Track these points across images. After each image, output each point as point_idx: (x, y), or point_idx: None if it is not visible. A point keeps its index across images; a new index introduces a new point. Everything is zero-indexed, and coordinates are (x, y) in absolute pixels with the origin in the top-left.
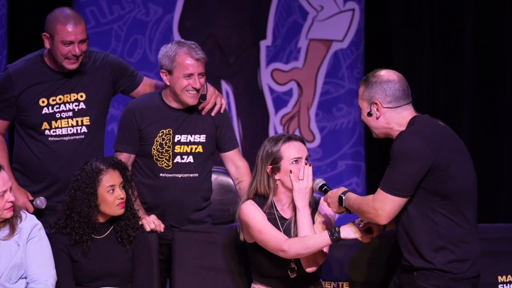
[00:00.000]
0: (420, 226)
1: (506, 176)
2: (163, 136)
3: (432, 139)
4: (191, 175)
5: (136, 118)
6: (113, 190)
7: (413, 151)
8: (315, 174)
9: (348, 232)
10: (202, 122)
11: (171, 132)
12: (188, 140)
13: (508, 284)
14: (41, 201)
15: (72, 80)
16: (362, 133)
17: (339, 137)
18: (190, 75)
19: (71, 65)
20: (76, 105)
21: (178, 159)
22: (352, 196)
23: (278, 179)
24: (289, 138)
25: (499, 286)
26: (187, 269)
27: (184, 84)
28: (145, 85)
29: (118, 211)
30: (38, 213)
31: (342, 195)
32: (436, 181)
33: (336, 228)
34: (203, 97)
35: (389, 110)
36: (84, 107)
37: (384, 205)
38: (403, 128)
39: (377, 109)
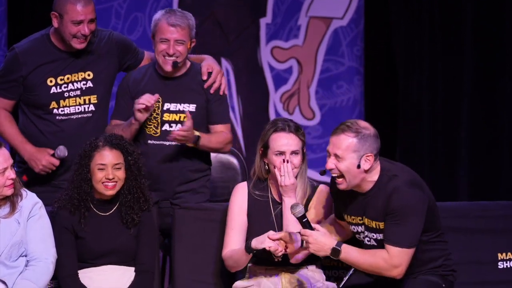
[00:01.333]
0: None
1: (505, 168)
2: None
3: (422, 185)
4: (179, 143)
5: (129, 86)
6: (102, 169)
7: (417, 205)
8: (315, 152)
9: (257, 242)
10: (193, 92)
11: (160, 100)
12: (177, 109)
13: (508, 261)
14: (61, 151)
15: (79, 59)
16: (362, 111)
17: (339, 115)
18: (165, 40)
19: (79, 45)
20: (84, 84)
21: (166, 126)
22: (352, 250)
23: (267, 162)
24: (282, 129)
25: (499, 263)
26: (187, 246)
27: (160, 48)
28: (147, 60)
29: (105, 191)
30: (62, 162)
31: (338, 248)
32: (429, 221)
33: (249, 242)
34: (175, 64)
35: (376, 163)
36: (91, 85)
37: (403, 261)
38: (375, 178)
39: (368, 162)
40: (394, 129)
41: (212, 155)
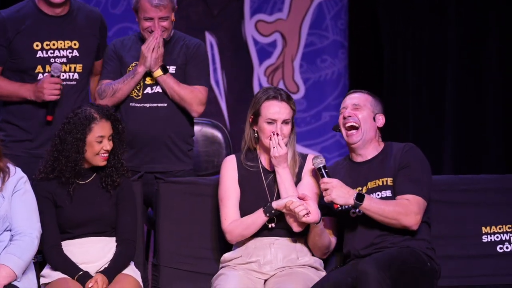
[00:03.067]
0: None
1: (490, 142)
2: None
3: None
4: (159, 104)
5: (116, 49)
6: (101, 141)
7: (427, 163)
8: (299, 126)
9: (279, 203)
10: (174, 54)
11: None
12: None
13: (492, 235)
14: (56, 68)
15: (66, 27)
16: (346, 84)
17: (323, 89)
18: (149, 19)
19: None
20: (70, 52)
21: (148, 90)
22: (373, 198)
23: (257, 130)
24: (274, 97)
25: (483, 237)
26: (171, 220)
27: (145, 25)
28: (98, 64)
29: (100, 162)
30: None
31: (362, 193)
32: None
33: (268, 203)
34: (178, 38)
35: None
36: (77, 54)
37: (421, 210)
38: (378, 148)
39: (380, 121)
40: None
41: (196, 129)
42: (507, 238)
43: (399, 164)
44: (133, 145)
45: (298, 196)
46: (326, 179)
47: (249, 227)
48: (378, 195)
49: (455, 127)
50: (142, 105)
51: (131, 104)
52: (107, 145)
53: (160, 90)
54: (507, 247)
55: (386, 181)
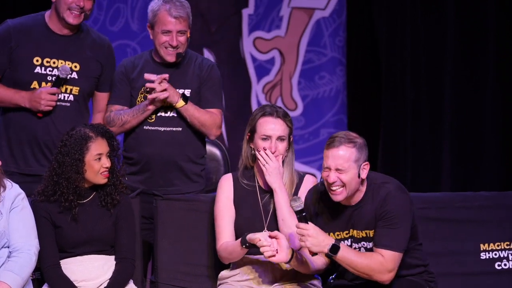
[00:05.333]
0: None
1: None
2: (148, 89)
3: (407, 191)
4: (174, 128)
5: (127, 71)
6: (100, 158)
7: (408, 209)
8: (297, 143)
9: (251, 237)
10: (188, 77)
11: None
12: None
13: (490, 252)
14: (64, 69)
15: (70, 48)
16: (344, 101)
17: (322, 106)
18: (168, 32)
19: (73, 19)
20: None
21: (161, 112)
22: (350, 250)
23: (253, 148)
24: (270, 113)
25: (481, 254)
26: (170, 237)
27: (162, 39)
28: (103, 99)
29: (102, 180)
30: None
31: (338, 244)
32: (413, 227)
33: (245, 235)
34: (179, 55)
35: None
36: (76, 77)
37: (396, 265)
38: (364, 188)
39: (365, 171)
40: (377, 120)
41: None
42: (505, 255)
43: (379, 214)
44: (148, 168)
45: (269, 235)
46: (302, 225)
47: (232, 253)
48: (363, 244)
49: (453, 144)
50: (156, 128)
51: (144, 127)
52: (106, 162)
53: (175, 114)
54: (505, 264)
55: (369, 233)
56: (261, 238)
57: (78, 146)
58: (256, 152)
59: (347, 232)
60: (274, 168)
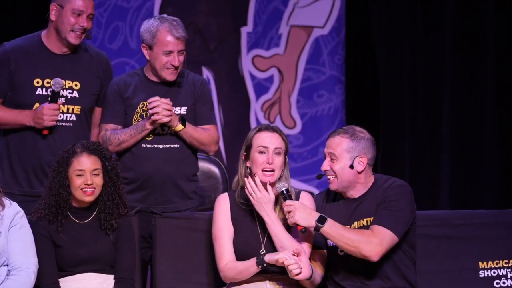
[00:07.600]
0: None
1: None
2: (144, 108)
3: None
4: (172, 146)
5: (120, 90)
6: (81, 175)
7: (409, 200)
8: (296, 161)
9: (271, 258)
10: (183, 95)
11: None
12: None
13: (489, 270)
14: (57, 82)
15: (69, 67)
16: (343, 119)
17: (320, 124)
18: (169, 52)
19: (74, 39)
20: (69, 93)
21: (159, 130)
22: (336, 223)
23: (249, 167)
24: (265, 128)
25: (480, 272)
26: (168, 255)
27: (164, 60)
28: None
29: (84, 197)
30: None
31: (324, 216)
32: (412, 232)
33: (262, 252)
34: (181, 75)
35: (368, 167)
36: (77, 96)
37: (384, 241)
38: (367, 185)
39: (361, 164)
40: (376, 138)
41: None
42: (504, 273)
43: (381, 200)
44: (146, 186)
45: (293, 252)
46: (289, 201)
47: (242, 273)
48: None
49: (452, 161)
50: (154, 146)
51: (142, 145)
52: (89, 179)
53: (172, 131)
54: (504, 282)
55: (370, 220)
56: (286, 257)
57: (63, 160)
58: (245, 179)
59: (348, 227)
60: (260, 198)
